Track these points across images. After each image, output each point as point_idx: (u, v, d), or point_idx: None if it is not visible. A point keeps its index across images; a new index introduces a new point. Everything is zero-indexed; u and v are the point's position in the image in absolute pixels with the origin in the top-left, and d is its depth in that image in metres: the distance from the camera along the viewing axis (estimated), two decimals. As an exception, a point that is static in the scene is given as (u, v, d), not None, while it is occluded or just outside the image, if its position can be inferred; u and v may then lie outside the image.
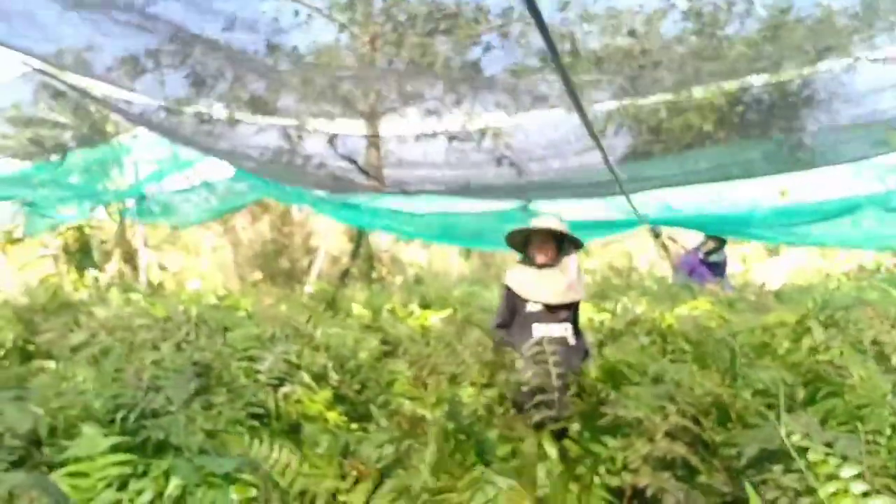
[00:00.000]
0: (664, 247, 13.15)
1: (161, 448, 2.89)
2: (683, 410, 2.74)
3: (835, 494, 1.78)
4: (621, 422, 3.00)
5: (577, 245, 4.25)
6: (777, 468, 2.52)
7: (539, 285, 4.10)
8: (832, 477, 1.82)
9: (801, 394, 2.82)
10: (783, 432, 2.01)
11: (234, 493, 2.12)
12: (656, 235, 12.78)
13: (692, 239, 13.73)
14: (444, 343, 3.77)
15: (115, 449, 2.31)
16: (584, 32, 9.60)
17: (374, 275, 13.58)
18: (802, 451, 2.56)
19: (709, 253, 9.42)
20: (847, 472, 1.83)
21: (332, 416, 3.99)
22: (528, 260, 4.22)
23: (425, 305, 7.74)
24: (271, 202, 15.83)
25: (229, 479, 2.17)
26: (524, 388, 3.44)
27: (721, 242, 9.36)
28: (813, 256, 20.28)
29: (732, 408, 2.69)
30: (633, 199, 8.60)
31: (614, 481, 2.75)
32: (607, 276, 14.43)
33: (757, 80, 7.65)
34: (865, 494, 1.79)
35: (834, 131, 8.02)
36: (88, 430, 2.44)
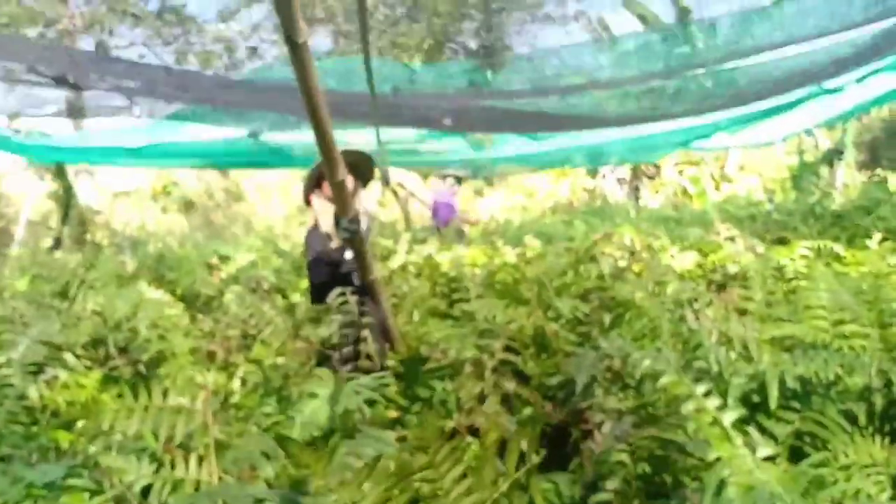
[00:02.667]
0: (395, 193, 13.44)
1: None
2: (507, 346, 2.83)
3: (697, 413, 1.92)
4: (441, 363, 3.04)
5: (367, 178, 4.06)
6: (599, 392, 2.71)
7: None
8: (688, 396, 1.96)
9: (606, 319, 3.04)
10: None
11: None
12: (386, 182, 13.00)
13: (414, 181, 14.26)
14: (245, 305, 3.51)
15: None
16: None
17: (88, 238, 12.33)
18: (621, 374, 2.78)
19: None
20: (700, 389, 1.98)
21: (106, 398, 3.58)
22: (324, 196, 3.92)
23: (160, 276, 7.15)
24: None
25: (57, 487, 1.84)
26: (334, 341, 3.34)
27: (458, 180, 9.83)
28: (516, 196, 22.15)
29: (556, 339, 2.82)
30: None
31: (448, 424, 2.78)
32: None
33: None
34: (720, 408, 1.96)
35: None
36: None
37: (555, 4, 16.91)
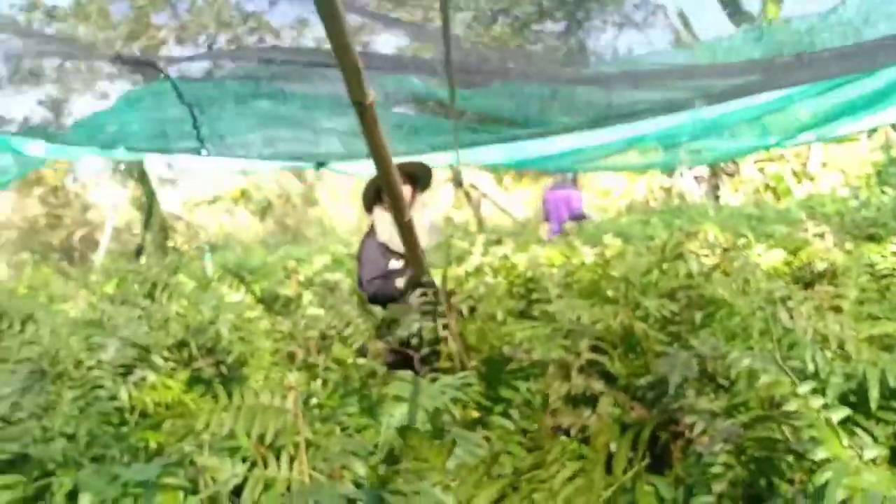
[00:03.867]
0: (467, 195, 13.43)
1: (13, 465, 2.48)
2: (595, 346, 2.76)
3: (803, 411, 1.82)
4: (523, 364, 2.99)
5: (425, 184, 4.21)
6: (690, 393, 2.61)
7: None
8: (792, 395, 1.87)
9: (697, 317, 2.94)
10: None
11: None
12: (458, 184, 12.99)
13: (487, 183, 14.20)
14: (326, 305, 3.54)
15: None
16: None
17: (171, 244, 12.68)
18: (714, 374, 2.68)
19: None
20: (804, 388, 1.89)
21: (191, 398, 3.64)
22: (384, 206, 4.09)
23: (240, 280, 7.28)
24: (44, 174, 14.24)
25: (153, 485, 1.86)
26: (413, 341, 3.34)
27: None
28: (591, 195, 21.92)
29: (646, 339, 2.74)
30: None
31: (532, 426, 2.72)
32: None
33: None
34: (825, 407, 1.87)
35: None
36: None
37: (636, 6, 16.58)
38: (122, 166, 13.60)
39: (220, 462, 1.90)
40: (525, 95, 6.50)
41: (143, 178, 13.21)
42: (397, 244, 3.95)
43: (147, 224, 12.22)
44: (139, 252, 11.68)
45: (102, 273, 9.04)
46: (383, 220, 4.00)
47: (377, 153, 2.38)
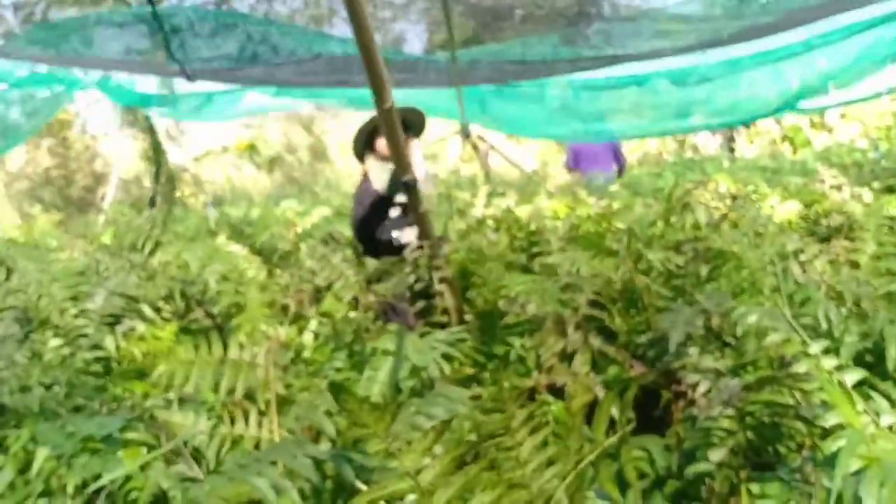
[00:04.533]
0: (474, 147, 13.15)
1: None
2: (594, 300, 2.62)
3: (813, 373, 1.68)
4: (520, 318, 2.86)
5: (418, 130, 4.06)
6: (693, 350, 2.47)
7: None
8: (803, 355, 1.72)
9: (703, 271, 2.79)
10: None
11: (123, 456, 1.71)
12: (466, 136, 12.68)
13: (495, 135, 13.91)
14: (316, 257, 3.41)
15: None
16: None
17: (178, 195, 12.59)
18: (719, 331, 2.54)
19: None
20: (815, 347, 1.74)
21: (181, 351, 3.54)
22: (376, 154, 3.97)
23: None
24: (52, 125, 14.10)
25: (115, 441, 1.75)
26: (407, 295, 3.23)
27: None
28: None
29: (648, 293, 2.59)
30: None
31: (526, 383, 2.60)
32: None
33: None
34: (838, 368, 1.72)
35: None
36: None
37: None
38: (131, 118, 13.43)
39: (183, 418, 1.79)
40: (530, 52, 6.25)
41: (150, 130, 13.07)
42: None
43: (157, 176, 12.12)
44: (152, 203, 11.62)
45: (105, 224, 8.96)
46: (376, 169, 3.86)
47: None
